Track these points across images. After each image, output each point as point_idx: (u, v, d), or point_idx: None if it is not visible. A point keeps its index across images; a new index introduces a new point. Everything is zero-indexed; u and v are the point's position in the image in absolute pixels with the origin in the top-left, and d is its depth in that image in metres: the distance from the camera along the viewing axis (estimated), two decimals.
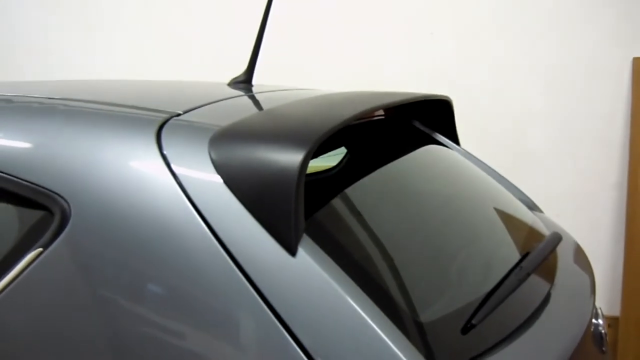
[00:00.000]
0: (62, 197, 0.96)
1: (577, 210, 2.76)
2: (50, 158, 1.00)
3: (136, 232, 0.92)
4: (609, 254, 2.82)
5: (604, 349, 1.27)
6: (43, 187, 0.97)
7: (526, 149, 2.82)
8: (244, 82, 1.50)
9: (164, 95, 1.37)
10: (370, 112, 1.12)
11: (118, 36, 3.21)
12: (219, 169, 0.93)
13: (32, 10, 3.30)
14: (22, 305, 0.96)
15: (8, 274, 0.95)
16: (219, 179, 0.92)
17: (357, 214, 1.10)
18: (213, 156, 0.94)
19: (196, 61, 3.07)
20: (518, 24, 2.79)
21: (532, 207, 1.62)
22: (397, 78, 2.88)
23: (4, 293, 0.95)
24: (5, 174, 1.00)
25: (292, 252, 0.87)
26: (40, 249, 0.95)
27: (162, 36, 3.14)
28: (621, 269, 2.78)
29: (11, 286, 0.95)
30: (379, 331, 0.83)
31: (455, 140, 1.68)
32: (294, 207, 0.87)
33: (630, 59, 2.68)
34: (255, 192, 0.89)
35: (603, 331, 1.29)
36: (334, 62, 2.94)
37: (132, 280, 0.93)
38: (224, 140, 0.97)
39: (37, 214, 0.98)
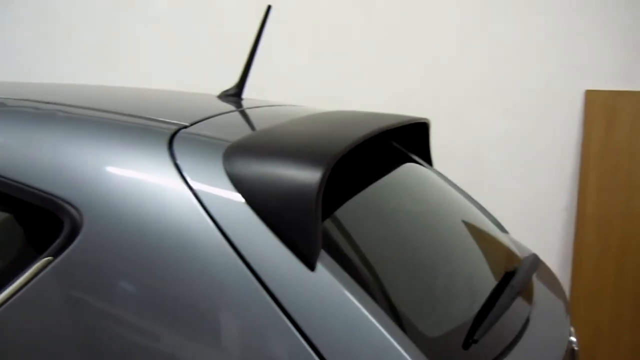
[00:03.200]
0: (73, 205, 0.92)
1: (529, 232, 2.85)
2: (60, 166, 0.96)
3: (151, 242, 0.90)
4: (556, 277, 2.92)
5: None
6: (53, 195, 0.93)
7: (483, 172, 2.91)
8: (235, 95, 1.49)
9: (165, 105, 1.34)
10: (376, 133, 1.13)
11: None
12: (236, 182, 0.92)
13: None
14: (31, 312, 0.92)
15: (16, 281, 0.91)
16: (236, 193, 0.91)
17: (360, 230, 1.10)
18: (229, 169, 0.94)
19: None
20: (481, 55, 2.89)
21: (500, 227, 1.67)
22: (358, 101, 2.90)
23: (11, 300, 0.91)
24: (14, 181, 0.95)
25: (312, 267, 0.87)
26: (50, 258, 0.91)
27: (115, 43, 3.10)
28: (568, 293, 2.88)
29: (19, 294, 0.91)
30: (393, 342, 0.85)
31: (428, 161, 1.72)
32: (314, 224, 0.88)
33: (583, 91, 2.83)
34: (274, 208, 0.89)
35: (576, 348, 1.34)
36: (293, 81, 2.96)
37: (145, 291, 0.90)
38: (239, 154, 0.96)
39: (47, 223, 0.94)
